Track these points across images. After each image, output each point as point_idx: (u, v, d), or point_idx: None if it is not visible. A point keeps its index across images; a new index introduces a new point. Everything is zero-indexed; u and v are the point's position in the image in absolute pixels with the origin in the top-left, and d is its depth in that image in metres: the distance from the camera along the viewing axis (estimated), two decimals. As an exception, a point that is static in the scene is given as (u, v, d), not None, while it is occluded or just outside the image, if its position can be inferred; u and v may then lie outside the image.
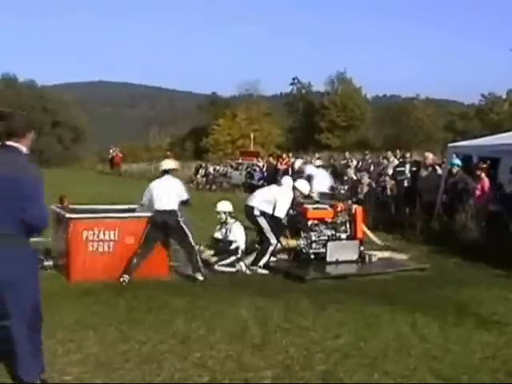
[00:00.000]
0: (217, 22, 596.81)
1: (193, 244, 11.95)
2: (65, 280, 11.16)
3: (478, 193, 16.31)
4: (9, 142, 5.79)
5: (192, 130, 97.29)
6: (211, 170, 43.03)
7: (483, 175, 16.46)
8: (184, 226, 11.89)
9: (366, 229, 14.82)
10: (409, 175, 20.91)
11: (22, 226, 5.63)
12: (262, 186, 35.39)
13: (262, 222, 12.94)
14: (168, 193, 11.74)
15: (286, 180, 13.81)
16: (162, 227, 11.67)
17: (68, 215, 11.35)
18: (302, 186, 13.77)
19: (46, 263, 11.99)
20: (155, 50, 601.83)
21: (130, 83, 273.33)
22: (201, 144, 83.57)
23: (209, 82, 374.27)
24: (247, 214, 13.18)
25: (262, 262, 12.71)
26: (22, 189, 5.59)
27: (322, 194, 16.20)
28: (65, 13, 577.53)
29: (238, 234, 13.01)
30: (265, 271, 12.65)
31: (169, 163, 12.65)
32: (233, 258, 12.70)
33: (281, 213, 12.95)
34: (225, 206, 13.27)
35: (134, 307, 6.73)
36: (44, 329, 6.02)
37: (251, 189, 36.60)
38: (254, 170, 39.17)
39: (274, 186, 13.70)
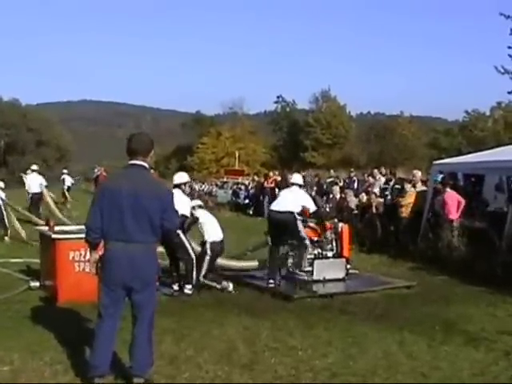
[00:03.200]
0: (200, 40, 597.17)
1: (192, 256, 12.15)
2: (52, 301, 11.03)
3: (449, 206, 16.24)
4: (136, 161, 6.50)
5: (177, 149, 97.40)
6: (196, 187, 43.08)
7: (447, 189, 16.45)
8: (183, 238, 12.11)
9: None
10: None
11: (158, 234, 6.48)
12: (248, 204, 35.93)
13: (299, 224, 12.98)
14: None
15: (297, 178, 13.75)
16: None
17: (54, 236, 11.29)
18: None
19: (32, 284, 11.93)
20: (139, 69, 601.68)
21: (114, 102, 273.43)
22: (185, 162, 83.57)
23: (193, 100, 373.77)
24: (283, 221, 12.93)
25: (304, 266, 13.01)
26: (163, 201, 6.45)
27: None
28: (49, 32, 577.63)
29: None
30: (305, 277, 12.96)
31: (183, 177, 12.95)
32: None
33: (313, 207, 13.17)
34: None
35: (121, 327, 6.69)
36: (30, 350, 6.03)
37: (236, 207, 36.84)
38: (240, 188, 39.25)
39: (289, 190, 13.56)
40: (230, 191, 40.08)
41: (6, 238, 20.58)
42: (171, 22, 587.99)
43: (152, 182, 6.63)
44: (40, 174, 27.16)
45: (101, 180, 53.41)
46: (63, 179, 43.24)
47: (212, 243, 12.48)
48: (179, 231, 11.86)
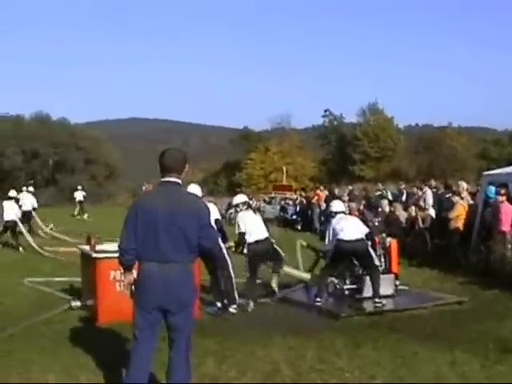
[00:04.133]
0: (246, 56, 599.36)
1: (231, 274, 11.94)
2: (93, 321, 10.88)
3: (502, 217, 15.79)
4: (170, 178, 6.30)
5: (225, 165, 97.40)
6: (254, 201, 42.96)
7: (501, 199, 15.95)
8: (226, 255, 11.91)
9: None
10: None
11: (195, 252, 6.28)
12: (295, 220, 35.70)
13: (371, 250, 12.72)
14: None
15: (339, 206, 13.45)
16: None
17: (95, 255, 11.13)
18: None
19: (73, 304, 11.84)
20: (186, 86, 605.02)
21: (162, 119, 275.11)
22: (234, 179, 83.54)
23: (241, 116, 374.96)
24: (357, 249, 12.54)
25: (381, 291, 12.57)
26: (200, 218, 6.21)
27: None
28: (96, 52, 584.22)
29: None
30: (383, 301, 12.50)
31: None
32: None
33: (367, 229, 12.92)
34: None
35: (161, 349, 6.46)
36: (66, 371, 5.87)
37: (285, 223, 36.58)
38: (288, 204, 39.00)
39: (343, 218, 13.20)
40: (278, 206, 39.84)
41: (21, 248, 21.81)
42: (216, 38, 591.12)
43: (188, 199, 6.48)
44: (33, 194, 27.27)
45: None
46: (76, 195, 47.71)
47: (251, 244, 12.29)
48: (222, 246, 11.74)
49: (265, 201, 43.81)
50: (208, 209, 6.50)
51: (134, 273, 6.37)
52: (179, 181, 6.34)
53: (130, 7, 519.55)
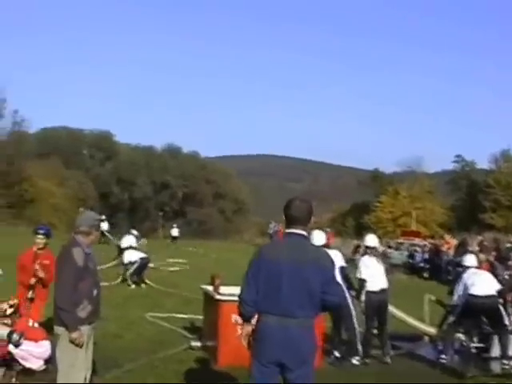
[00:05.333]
0: (378, 100, 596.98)
1: (355, 326, 11.63)
2: (212, 363, 10.77)
3: None
4: (296, 230, 6.07)
5: (353, 206, 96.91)
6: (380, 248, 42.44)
7: None
8: (351, 305, 11.67)
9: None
10: None
11: (318, 308, 5.99)
12: (423, 267, 34.90)
13: (501, 308, 12.16)
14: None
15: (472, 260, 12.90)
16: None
17: (217, 297, 11.01)
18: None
19: (193, 344, 11.77)
20: (318, 125, 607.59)
21: (292, 157, 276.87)
22: (362, 221, 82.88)
23: (371, 157, 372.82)
24: (489, 306, 11.93)
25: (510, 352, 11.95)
26: (325, 273, 5.96)
27: None
28: (230, 89, 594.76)
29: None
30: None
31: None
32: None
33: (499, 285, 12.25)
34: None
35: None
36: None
37: (412, 270, 35.86)
38: (416, 250, 38.25)
39: (482, 271, 12.69)
40: (406, 253, 39.12)
41: (143, 284, 21.94)
42: (344, 82, 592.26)
43: (313, 252, 6.14)
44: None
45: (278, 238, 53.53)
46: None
47: (369, 292, 11.90)
48: (347, 295, 11.48)
49: (390, 246, 43.12)
50: (333, 263, 6.27)
51: (253, 324, 6.17)
52: (305, 233, 6.12)
53: (257, 54, 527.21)
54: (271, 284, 5.88)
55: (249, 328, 6.18)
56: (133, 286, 22.09)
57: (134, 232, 25.87)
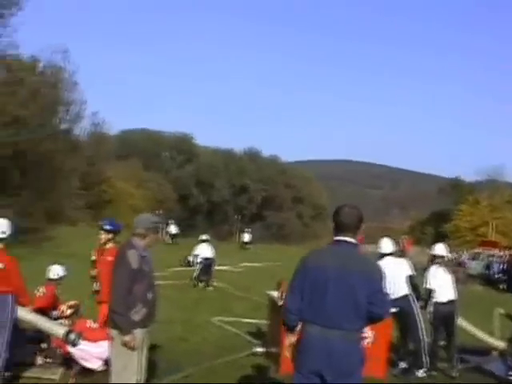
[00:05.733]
0: (462, 106, 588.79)
1: (422, 337, 11.32)
2: (274, 370, 10.63)
3: None
4: (345, 238, 5.86)
5: (432, 214, 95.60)
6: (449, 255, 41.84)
7: None
8: (418, 315, 11.36)
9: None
10: None
11: (364, 319, 5.74)
12: (500, 279, 34.18)
13: None
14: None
15: None
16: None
17: (281, 303, 10.86)
18: None
19: (257, 349, 11.69)
20: (400, 130, 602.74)
21: (372, 163, 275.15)
22: (440, 230, 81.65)
23: (452, 165, 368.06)
24: None
25: None
26: (373, 283, 5.74)
27: None
28: (311, 94, 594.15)
29: None
30: None
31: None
32: None
33: None
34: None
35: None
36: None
37: (488, 281, 35.14)
38: (493, 261, 37.50)
39: None
40: (483, 263, 38.37)
41: (211, 287, 22.22)
42: (426, 92, 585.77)
43: (362, 261, 5.90)
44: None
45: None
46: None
47: (437, 304, 11.56)
48: (414, 306, 11.25)
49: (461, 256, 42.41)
50: (382, 273, 6.00)
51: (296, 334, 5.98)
52: (354, 241, 5.90)
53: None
54: (316, 292, 5.70)
55: (292, 338, 6.01)
56: (201, 285, 22.30)
57: (204, 237, 25.87)
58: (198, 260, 23.72)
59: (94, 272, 10.19)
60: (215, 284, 22.95)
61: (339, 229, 5.91)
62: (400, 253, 38.67)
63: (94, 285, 10.00)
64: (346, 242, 5.86)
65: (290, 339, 6.04)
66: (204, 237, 26.02)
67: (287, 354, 6.10)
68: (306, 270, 5.79)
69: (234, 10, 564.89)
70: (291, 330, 6.00)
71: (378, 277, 5.87)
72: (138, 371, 7.03)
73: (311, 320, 5.69)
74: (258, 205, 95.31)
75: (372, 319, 5.82)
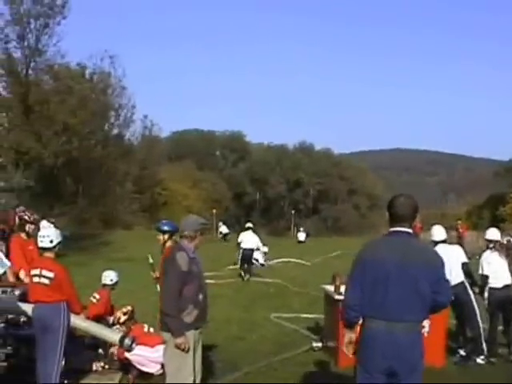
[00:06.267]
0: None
1: (480, 324, 11.19)
2: (333, 365, 10.57)
3: None
4: (402, 228, 5.77)
5: (489, 198, 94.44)
6: (504, 241, 41.10)
7: None
8: (474, 302, 11.22)
9: None
10: None
11: (428, 310, 5.69)
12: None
13: None
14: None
15: None
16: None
17: (337, 297, 10.77)
18: None
19: (314, 344, 11.65)
20: (448, 117, 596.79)
21: (427, 150, 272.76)
22: (497, 213, 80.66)
23: (507, 147, 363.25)
24: None
25: None
26: (435, 272, 5.65)
27: None
28: (359, 85, 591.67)
29: None
30: None
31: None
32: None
33: None
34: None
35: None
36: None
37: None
38: (552, 243, 36.83)
39: None
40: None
41: (247, 276, 23.02)
42: (476, 74, 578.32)
43: (421, 250, 5.79)
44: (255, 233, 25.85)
45: (415, 232, 52.18)
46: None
47: (492, 288, 11.35)
48: (470, 293, 11.10)
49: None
50: (442, 261, 5.85)
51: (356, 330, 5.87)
52: (410, 230, 5.81)
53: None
54: (376, 286, 5.57)
55: (352, 335, 5.89)
56: (245, 278, 22.96)
57: (248, 224, 25.92)
58: (240, 249, 23.91)
59: (154, 274, 10.19)
60: (269, 280, 22.88)
61: (395, 219, 5.84)
62: (458, 239, 38.30)
63: (158, 286, 10.04)
64: (402, 232, 5.77)
65: (349, 336, 5.92)
66: (249, 224, 25.92)
67: (346, 350, 5.91)
68: (364, 264, 5.69)
69: (279, 7, 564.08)
70: (351, 326, 5.89)
71: (439, 264, 5.77)
72: (193, 372, 7.04)
73: (374, 315, 5.59)
74: (313, 198, 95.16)
75: (436, 308, 5.76)
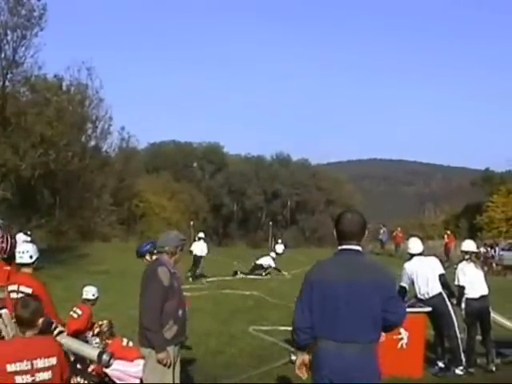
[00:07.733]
0: (487, 98, 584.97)
1: (458, 334, 11.30)
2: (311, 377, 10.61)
3: None
4: (350, 246, 5.65)
5: (466, 207, 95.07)
6: (481, 250, 41.51)
7: None
8: (452, 313, 11.36)
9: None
10: None
11: (379, 330, 5.52)
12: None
13: None
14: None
15: None
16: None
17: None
18: None
19: (293, 357, 11.59)
20: (425, 127, 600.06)
21: (404, 160, 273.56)
22: (474, 222, 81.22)
23: (483, 156, 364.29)
24: None
25: None
26: (385, 290, 5.50)
27: None
28: (334, 95, 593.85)
29: None
30: None
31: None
32: None
33: None
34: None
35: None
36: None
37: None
38: (529, 251, 37.27)
39: None
40: (519, 253, 38.07)
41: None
42: (451, 85, 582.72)
43: (370, 269, 5.65)
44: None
45: (397, 241, 52.23)
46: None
47: (469, 300, 11.50)
48: (448, 303, 11.23)
49: (493, 246, 42.05)
50: (392, 279, 5.85)
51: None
52: (359, 248, 5.69)
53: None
54: (327, 307, 5.44)
55: (303, 357, 5.76)
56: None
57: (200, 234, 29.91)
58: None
59: None
60: (247, 293, 22.87)
61: (342, 237, 5.73)
62: (445, 249, 38.82)
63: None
64: (350, 250, 5.66)
65: (301, 358, 5.79)
66: (200, 234, 30.03)
67: (299, 373, 5.80)
68: (312, 285, 5.59)
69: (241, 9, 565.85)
70: (302, 348, 5.76)
71: (389, 283, 5.69)
72: (173, 387, 7.08)
73: (324, 336, 5.45)
74: (291, 209, 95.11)
75: (388, 327, 5.63)
